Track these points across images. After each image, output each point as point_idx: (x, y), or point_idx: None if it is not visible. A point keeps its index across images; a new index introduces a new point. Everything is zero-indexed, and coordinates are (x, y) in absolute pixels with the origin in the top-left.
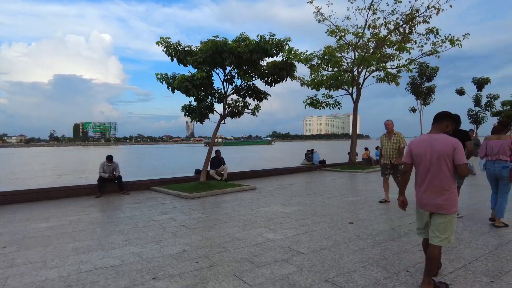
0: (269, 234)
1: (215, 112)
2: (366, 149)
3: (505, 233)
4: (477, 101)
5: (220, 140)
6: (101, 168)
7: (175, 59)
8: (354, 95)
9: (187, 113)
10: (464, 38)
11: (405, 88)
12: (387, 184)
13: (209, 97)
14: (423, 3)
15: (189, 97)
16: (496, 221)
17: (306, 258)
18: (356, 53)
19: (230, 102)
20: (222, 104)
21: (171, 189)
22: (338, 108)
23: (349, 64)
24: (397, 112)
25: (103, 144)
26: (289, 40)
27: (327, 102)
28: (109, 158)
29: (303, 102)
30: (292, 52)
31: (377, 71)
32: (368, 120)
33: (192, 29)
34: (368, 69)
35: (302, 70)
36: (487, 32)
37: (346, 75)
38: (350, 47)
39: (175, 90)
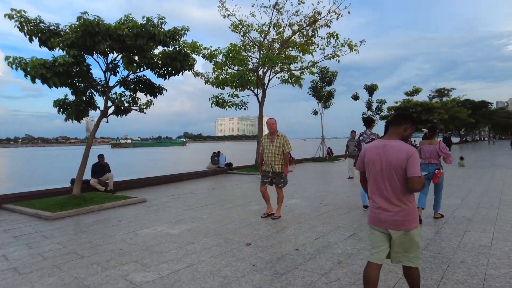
0: (138, 275)
1: (98, 108)
2: None
3: None
4: (369, 105)
5: (129, 141)
6: None
7: (36, 39)
8: (260, 96)
9: (60, 110)
10: (361, 44)
11: (308, 92)
12: (267, 194)
13: (90, 89)
14: (324, 6)
15: (51, 87)
16: (435, 214)
17: None
18: (261, 53)
19: (115, 96)
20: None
21: (29, 207)
22: (244, 108)
23: (255, 64)
24: (301, 115)
25: None
26: (187, 30)
27: (233, 102)
28: None
29: (209, 100)
30: (196, 47)
31: (282, 72)
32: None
33: None
34: (273, 70)
35: (208, 68)
36: (375, 48)
37: (251, 74)
38: (256, 46)
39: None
